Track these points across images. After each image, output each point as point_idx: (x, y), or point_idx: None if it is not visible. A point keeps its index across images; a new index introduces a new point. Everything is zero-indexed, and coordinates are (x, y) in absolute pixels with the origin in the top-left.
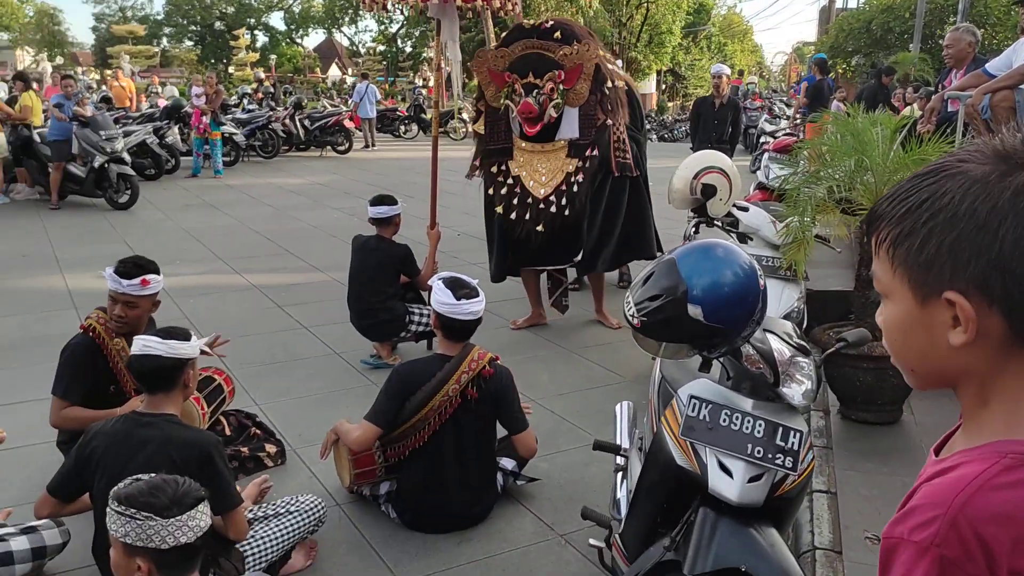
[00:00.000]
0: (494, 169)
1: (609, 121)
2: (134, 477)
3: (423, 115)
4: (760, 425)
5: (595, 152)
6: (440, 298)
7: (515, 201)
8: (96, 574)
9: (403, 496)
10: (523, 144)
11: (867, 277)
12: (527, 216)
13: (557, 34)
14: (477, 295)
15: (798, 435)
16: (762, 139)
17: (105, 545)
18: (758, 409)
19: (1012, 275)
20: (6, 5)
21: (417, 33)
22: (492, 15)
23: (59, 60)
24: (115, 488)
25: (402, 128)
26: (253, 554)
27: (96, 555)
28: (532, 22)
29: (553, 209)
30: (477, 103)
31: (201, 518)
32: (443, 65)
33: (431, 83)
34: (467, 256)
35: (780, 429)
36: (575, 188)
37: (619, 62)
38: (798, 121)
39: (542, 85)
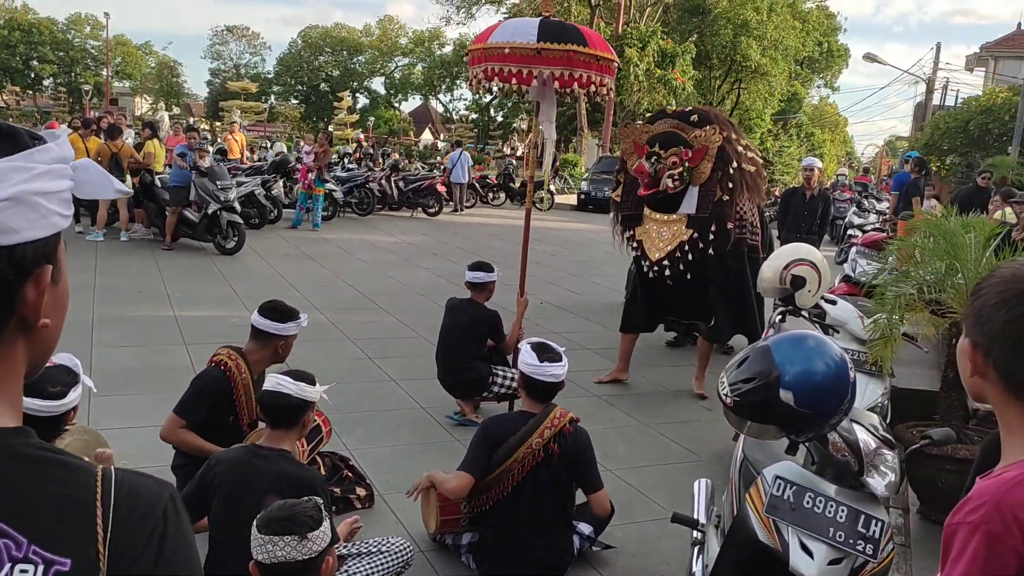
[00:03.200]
0: (628, 235)
1: (726, 197)
2: (279, 503)
3: (511, 183)
4: (843, 510)
5: (717, 226)
6: (526, 359)
7: (643, 262)
8: None
9: (483, 547)
10: (651, 213)
11: (953, 379)
12: (650, 275)
13: (694, 117)
14: (560, 360)
15: (880, 524)
16: (850, 232)
17: (217, 564)
18: (841, 495)
19: (996, 349)
20: (130, 55)
21: (509, 104)
22: (588, 98)
23: (175, 109)
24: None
25: (490, 195)
26: None
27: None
28: (675, 108)
29: (667, 272)
30: (617, 174)
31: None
32: (539, 143)
33: (519, 152)
34: (549, 324)
35: (862, 516)
36: (689, 255)
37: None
38: (887, 216)
39: (665, 156)
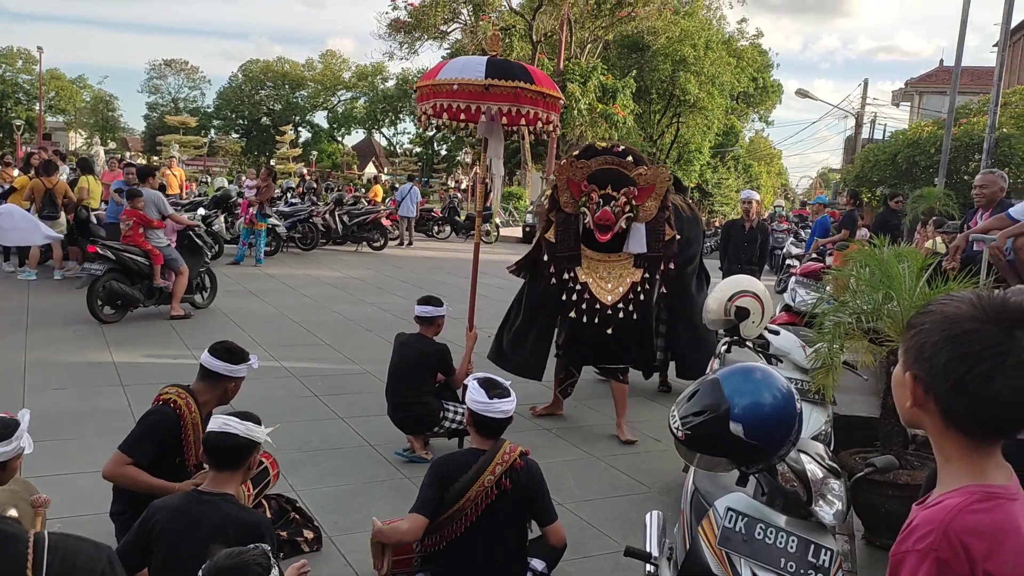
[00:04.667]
0: (565, 276)
1: (679, 236)
2: (226, 552)
3: (456, 216)
4: (794, 541)
5: (669, 266)
6: (474, 396)
7: (584, 306)
8: None
9: None
10: (590, 253)
11: (892, 406)
12: (596, 320)
13: (629, 158)
14: (509, 395)
15: (829, 553)
16: (788, 261)
17: None
18: (791, 525)
19: (938, 385)
20: (64, 89)
21: (453, 137)
22: (534, 135)
23: (111, 144)
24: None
25: (435, 228)
26: None
27: None
28: (605, 143)
29: (621, 315)
30: (549, 213)
31: None
32: (487, 180)
33: (463, 185)
34: None
35: (812, 546)
36: (641, 297)
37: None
38: (823, 247)
39: (617, 197)
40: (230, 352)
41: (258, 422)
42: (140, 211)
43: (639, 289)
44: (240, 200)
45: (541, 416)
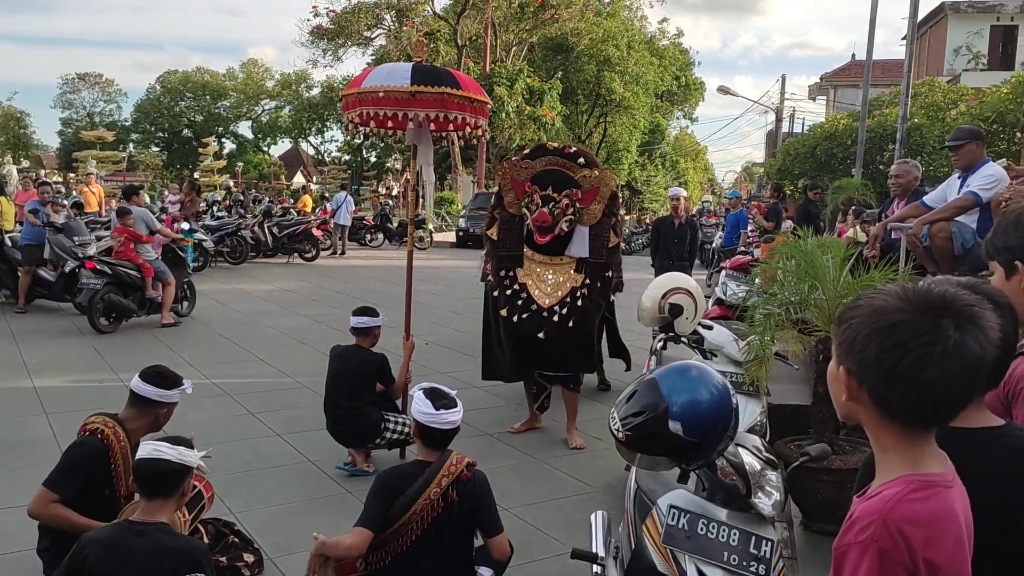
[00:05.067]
0: (502, 273)
1: (623, 245)
2: None
3: (389, 224)
4: (735, 534)
5: (611, 273)
6: (420, 408)
7: (519, 306)
8: None
9: None
10: (533, 254)
11: (823, 393)
12: (530, 322)
13: (581, 159)
14: (455, 405)
15: (769, 543)
16: (718, 256)
17: None
18: (732, 519)
19: (871, 377)
20: None
21: (382, 144)
22: (463, 140)
23: (24, 163)
24: None
25: (368, 236)
26: None
27: None
28: (557, 144)
29: (556, 319)
30: (493, 210)
31: None
32: (417, 186)
33: (395, 191)
34: (437, 365)
35: (753, 538)
36: (579, 302)
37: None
38: (751, 239)
39: (559, 199)
40: (162, 376)
41: (190, 446)
42: (130, 228)
43: (578, 295)
44: (164, 216)
45: (520, 432)
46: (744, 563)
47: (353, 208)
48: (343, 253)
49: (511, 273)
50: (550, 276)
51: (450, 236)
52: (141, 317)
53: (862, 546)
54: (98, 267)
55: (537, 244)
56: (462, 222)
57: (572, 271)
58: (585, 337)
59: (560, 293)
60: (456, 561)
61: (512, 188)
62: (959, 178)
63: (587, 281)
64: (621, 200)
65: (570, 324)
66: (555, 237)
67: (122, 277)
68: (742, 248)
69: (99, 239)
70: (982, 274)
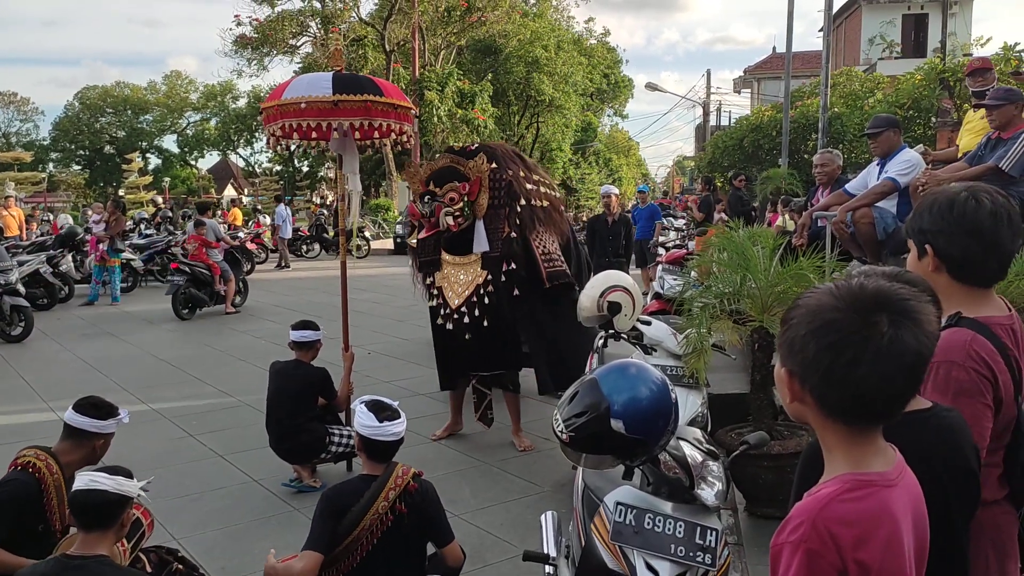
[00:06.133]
0: (428, 281)
1: (514, 234)
2: None
3: (324, 234)
4: (680, 526)
5: (512, 265)
6: (363, 421)
7: (442, 311)
8: None
9: None
10: (447, 257)
11: (760, 381)
12: (449, 325)
13: (481, 155)
14: (399, 416)
15: (714, 533)
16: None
17: None
18: (677, 511)
19: (811, 377)
20: None
21: (314, 153)
22: (391, 147)
23: None
24: None
25: (304, 248)
26: None
27: None
28: (462, 145)
29: (466, 320)
30: (412, 218)
31: None
32: (345, 195)
33: (328, 200)
34: (379, 374)
35: (698, 528)
36: (486, 300)
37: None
38: (684, 233)
39: (441, 194)
40: (96, 407)
41: (129, 475)
42: (203, 236)
43: (482, 292)
44: (89, 236)
45: (441, 439)
46: (691, 554)
47: (291, 219)
48: (287, 266)
49: (431, 279)
50: (462, 276)
51: (388, 243)
52: (211, 306)
53: (792, 546)
54: (180, 267)
55: (451, 247)
56: (399, 228)
57: (478, 268)
58: (503, 334)
59: (467, 292)
60: (409, 572)
61: (419, 192)
62: (878, 164)
63: (490, 277)
64: (540, 191)
65: (485, 324)
66: (459, 236)
67: (197, 275)
68: (677, 242)
69: (21, 264)
70: (903, 256)
